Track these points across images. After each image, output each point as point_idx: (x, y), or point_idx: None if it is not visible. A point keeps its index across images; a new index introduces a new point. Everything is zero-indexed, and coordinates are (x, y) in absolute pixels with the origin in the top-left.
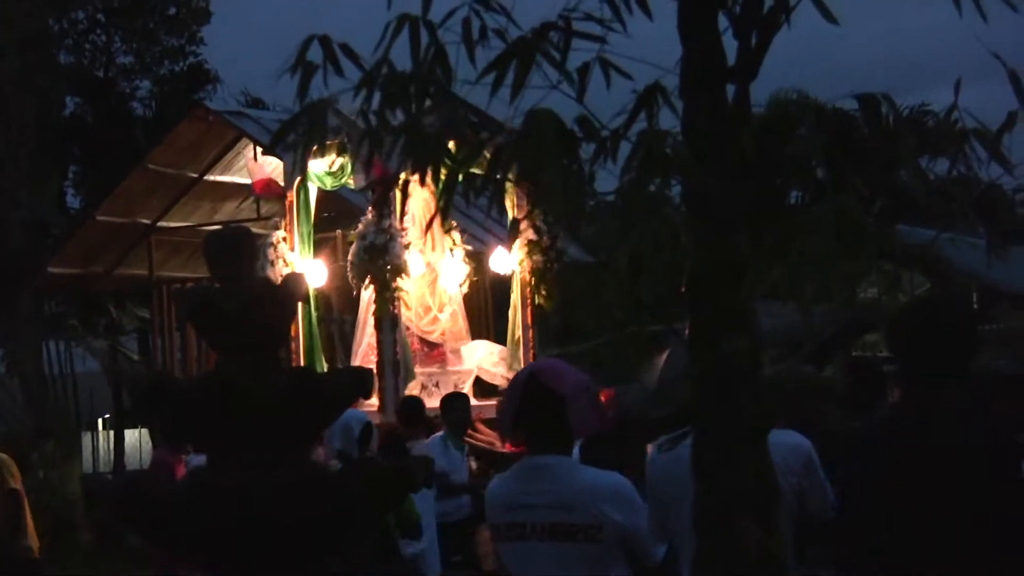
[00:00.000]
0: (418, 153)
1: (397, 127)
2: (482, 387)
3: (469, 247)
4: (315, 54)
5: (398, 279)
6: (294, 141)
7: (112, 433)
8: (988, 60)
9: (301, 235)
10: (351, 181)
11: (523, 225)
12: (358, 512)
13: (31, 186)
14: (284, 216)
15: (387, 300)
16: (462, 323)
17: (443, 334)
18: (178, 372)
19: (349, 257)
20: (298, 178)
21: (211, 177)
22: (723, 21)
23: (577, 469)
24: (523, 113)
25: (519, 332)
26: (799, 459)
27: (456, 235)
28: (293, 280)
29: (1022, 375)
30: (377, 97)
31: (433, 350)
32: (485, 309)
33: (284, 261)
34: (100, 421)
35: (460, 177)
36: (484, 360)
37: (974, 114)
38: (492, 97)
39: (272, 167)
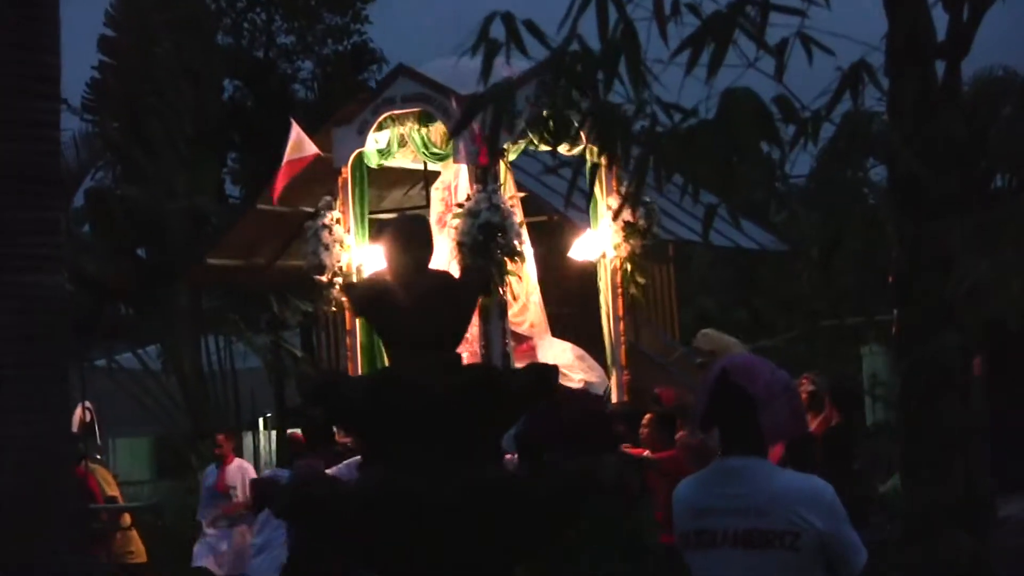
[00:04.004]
0: (607, 135)
1: (586, 109)
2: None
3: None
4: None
5: (511, 263)
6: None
7: (275, 433)
8: None
9: (355, 215)
10: (397, 159)
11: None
12: (544, 519)
13: (189, 174)
14: (337, 195)
15: (497, 286)
16: (542, 315)
17: (532, 326)
18: (345, 369)
19: (455, 237)
20: (353, 153)
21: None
22: None
23: (772, 472)
24: (717, 94)
25: (609, 323)
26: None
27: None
28: (474, 273)
29: None
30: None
31: (521, 343)
32: (565, 300)
33: (341, 245)
34: (261, 420)
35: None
36: (558, 359)
37: None
38: (687, 76)
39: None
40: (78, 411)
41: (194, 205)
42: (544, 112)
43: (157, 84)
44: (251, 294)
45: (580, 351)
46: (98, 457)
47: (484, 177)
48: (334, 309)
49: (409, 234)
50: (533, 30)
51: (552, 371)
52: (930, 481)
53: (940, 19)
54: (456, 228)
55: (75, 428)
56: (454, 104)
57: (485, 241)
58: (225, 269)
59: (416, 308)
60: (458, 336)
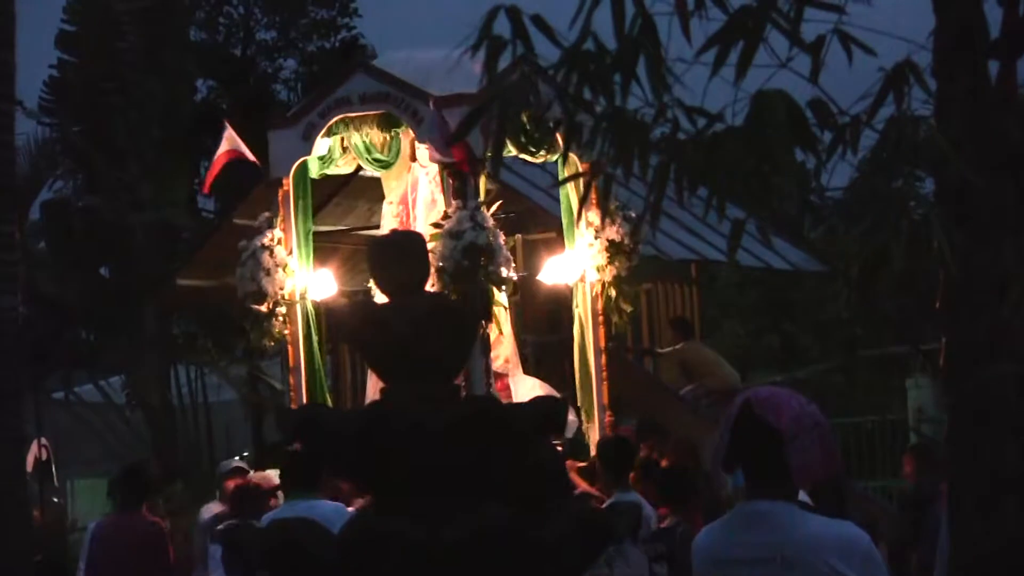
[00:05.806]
0: (623, 142)
1: (600, 114)
2: None
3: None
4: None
5: (498, 291)
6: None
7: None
8: None
9: (299, 235)
10: (340, 167)
11: (603, 223)
12: (553, 567)
13: (157, 184)
14: (278, 211)
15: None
16: (514, 349)
17: (506, 361)
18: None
19: (433, 261)
20: (296, 162)
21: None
22: None
23: (801, 517)
24: (746, 97)
25: (590, 357)
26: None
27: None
28: (475, 296)
29: None
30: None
31: (497, 381)
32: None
33: (284, 269)
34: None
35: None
36: (529, 396)
37: None
38: (712, 77)
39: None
40: (33, 448)
41: (163, 218)
42: (524, 117)
43: (122, 82)
44: (226, 319)
45: (549, 388)
46: (55, 500)
47: (463, 191)
48: (272, 344)
49: (401, 251)
50: (542, 26)
51: (560, 405)
52: (981, 526)
53: (994, 13)
54: (434, 252)
55: (29, 467)
56: (431, 106)
57: (470, 266)
58: (197, 290)
59: (411, 333)
60: (458, 364)
